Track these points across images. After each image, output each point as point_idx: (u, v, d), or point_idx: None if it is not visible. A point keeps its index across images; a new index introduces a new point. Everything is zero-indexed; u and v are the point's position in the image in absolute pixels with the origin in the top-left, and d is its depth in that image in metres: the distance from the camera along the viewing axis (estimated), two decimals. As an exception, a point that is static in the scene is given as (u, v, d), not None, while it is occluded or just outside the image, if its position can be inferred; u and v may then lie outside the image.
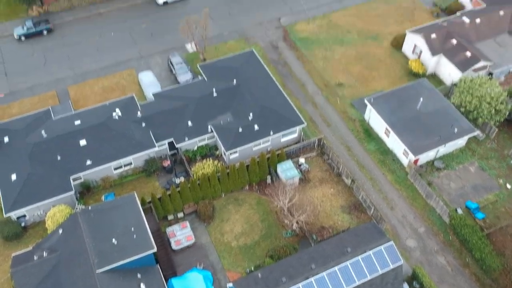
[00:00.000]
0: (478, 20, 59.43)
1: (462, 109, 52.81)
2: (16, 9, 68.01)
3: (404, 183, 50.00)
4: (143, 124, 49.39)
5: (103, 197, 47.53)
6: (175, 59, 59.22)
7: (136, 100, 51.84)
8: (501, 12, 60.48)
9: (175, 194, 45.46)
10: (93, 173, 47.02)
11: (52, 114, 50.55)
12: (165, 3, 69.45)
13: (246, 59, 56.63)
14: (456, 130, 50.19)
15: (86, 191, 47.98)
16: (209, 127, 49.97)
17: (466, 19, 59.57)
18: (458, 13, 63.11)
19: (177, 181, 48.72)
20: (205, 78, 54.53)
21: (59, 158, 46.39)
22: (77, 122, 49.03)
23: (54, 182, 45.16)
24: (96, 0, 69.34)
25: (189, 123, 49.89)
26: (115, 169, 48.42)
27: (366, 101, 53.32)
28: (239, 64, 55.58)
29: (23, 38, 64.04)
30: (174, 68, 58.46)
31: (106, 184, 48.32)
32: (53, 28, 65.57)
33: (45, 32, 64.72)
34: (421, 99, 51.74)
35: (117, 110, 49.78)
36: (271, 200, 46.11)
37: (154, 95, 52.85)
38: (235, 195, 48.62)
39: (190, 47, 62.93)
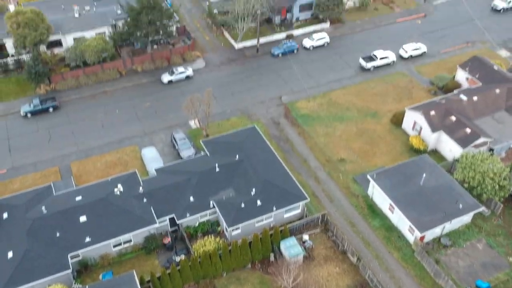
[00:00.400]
0: (475, 98, 60.89)
1: (466, 185, 52.62)
2: (24, 88, 69.91)
3: (411, 261, 48.57)
4: (144, 200, 48.93)
5: (100, 276, 45.93)
6: (178, 135, 59.95)
7: (138, 175, 51.77)
8: (497, 91, 62.13)
9: (175, 273, 43.98)
10: (92, 250, 45.81)
11: (54, 190, 50.24)
12: (169, 82, 71.58)
13: (248, 135, 57.29)
14: (461, 206, 49.60)
15: (83, 269, 46.45)
16: (211, 202, 49.45)
17: (464, 97, 61.05)
18: (455, 91, 64.84)
19: (177, 259, 47.31)
20: (208, 154, 54.85)
21: (58, 234, 45.45)
22: (78, 198, 48.60)
23: (51, 260, 43.84)
24: (102, 79, 71.46)
25: (191, 198, 49.44)
26: (115, 246, 47.25)
27: (368, 177, 53.21)
28: (241, 140, 56.15)
29: (29, 115, 65.26)
30: (177, 144, 58.99)
31: (104, 262, 46.92)
32: (59, 105, 67.02)
33: (51, 109, 66.07)
34: (424, 174, 51.69)
35: (119, 185, 49.53)
36: (274, 279, 44.54)
37: (156, 170, 52.88)
38: (237, 274, 47.01)
39: (193, 124, 63.95)
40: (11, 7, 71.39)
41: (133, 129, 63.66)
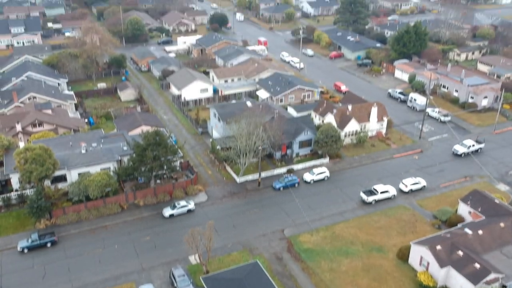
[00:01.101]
0: (480, 232, 59.97)
1: (482, 326, 49.32)
2: (24, 222, 69.29)
3: None
4: None
5: None
6: (177, 272, 57.84)
7: (134, 315, 48.84)
8: (502, 224, 61.45)
9: None
10: None
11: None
12: (171, 216, 71.22)
13: (250, 271, 55.27)
14: None
15: None
16: None
17: (469, 231, 60.17)
18: (459, 225, 64.16)
19: None
20: (208, 292, 52.40)
21: None
22: None
23: None
24: (103, 213, 71.16)
25: None
26: None
27: (378, 317, 50.13)
28: (243, 276, 54.03)
29: (26, 250, 63.69)
30: (175, 281, 56.62)
31: None
32: (58, 240, 65.73)
33: (49, 244, 64.64)
34: (437, 314, 48.81)
35: (113, 327, 46.45)
36: None
37: (153, 310, 50.02)
38: None
39: (194, 259, 62.12)
40: (21, 144, 73.90)
41: (131, 265, 61.64)
